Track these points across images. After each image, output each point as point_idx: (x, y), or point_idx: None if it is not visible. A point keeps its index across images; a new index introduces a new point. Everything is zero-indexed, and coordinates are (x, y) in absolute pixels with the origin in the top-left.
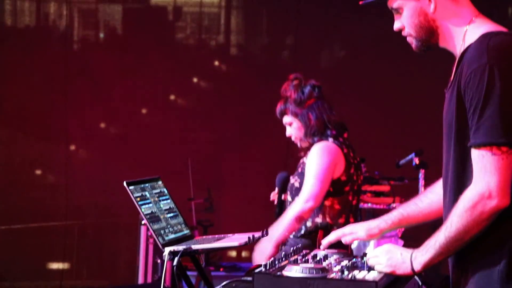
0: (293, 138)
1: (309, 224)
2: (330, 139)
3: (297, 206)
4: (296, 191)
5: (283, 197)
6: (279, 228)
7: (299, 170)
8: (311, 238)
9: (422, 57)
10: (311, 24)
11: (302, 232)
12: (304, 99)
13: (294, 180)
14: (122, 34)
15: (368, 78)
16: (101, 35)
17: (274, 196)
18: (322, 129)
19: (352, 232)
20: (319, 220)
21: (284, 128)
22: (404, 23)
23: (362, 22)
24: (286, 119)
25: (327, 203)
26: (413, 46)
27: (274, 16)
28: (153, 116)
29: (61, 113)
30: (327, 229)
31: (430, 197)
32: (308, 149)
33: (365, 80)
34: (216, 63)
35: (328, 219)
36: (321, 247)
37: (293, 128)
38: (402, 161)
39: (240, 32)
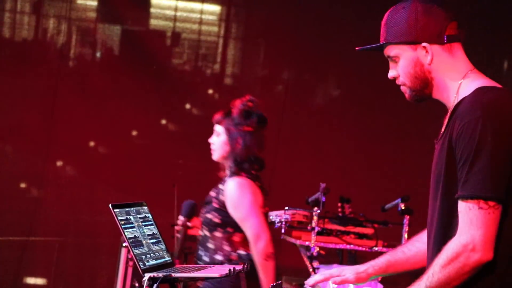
0: (212, 147)
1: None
2: (243, 174)
3: (257, 249)
4: (215, 226)
5: (190, 224)
6: (266, 278)
7: (214, 205)
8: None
9: (416, 104)
10: (308, 60)
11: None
12: (242, 123)
13: (211, 216)
14: (119, 55)
15: (361, 119)
16: (98, 54)
17: (180, 223)
18: (244, 159)
19: (340, 274)
20: (241, 252)
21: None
22: (400, 72)
23: (359, 64)
24: (218, 128)
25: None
26: (407, 95)
27: (272, 50)
28: (143, 139)
29: (51, 128)
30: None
31: (417, 246)
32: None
33: (358, 121)
34: (210, 91)
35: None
36: (308, 285)
37: (219, 139)
38: (388, 206)
39: (236, 63)
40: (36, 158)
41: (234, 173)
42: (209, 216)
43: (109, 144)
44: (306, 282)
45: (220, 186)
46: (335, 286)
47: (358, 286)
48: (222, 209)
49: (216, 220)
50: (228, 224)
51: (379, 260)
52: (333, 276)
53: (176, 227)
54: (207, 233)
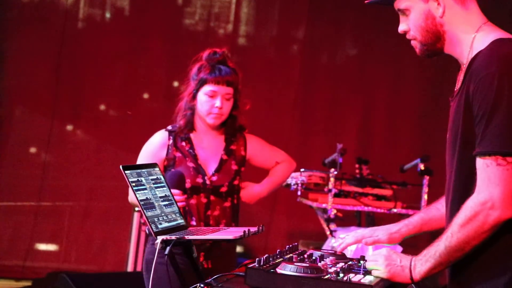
0: (220, 111)
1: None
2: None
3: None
4: (238, 192)
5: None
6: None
7: (234, 167)
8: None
9: (434, 62)
10: (323, 18)
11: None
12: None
13: (238, 181)
14: (129, 16)
15: (378, 79)
16: (107, 15)
17: (182, 198)
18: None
19: (372, 235)
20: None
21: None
22: (410, 25)
23: (376, 21)
24: (229, 91)
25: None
26: (417, 50)
27: (287, 8)
28: (154, 102)
29: (60, 91)
30: None
31: None
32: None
33: (374, 82)
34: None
35: None
36: (339, 249)
37: (230, 104)
38: (407, 166)
39: (250, 22)
40: (44, 122)
41: (242, 130)
42: (236, 182)
43: (119, 107)
44: (336, 246)
45: (232, 147)
46: (353, 249)
47: (377, 246)
48: (239, 170)
49: (240, 184)
50: None
51: (412, 218)
52: (365, 237)
53: (183, 203)
54: (234, 202)
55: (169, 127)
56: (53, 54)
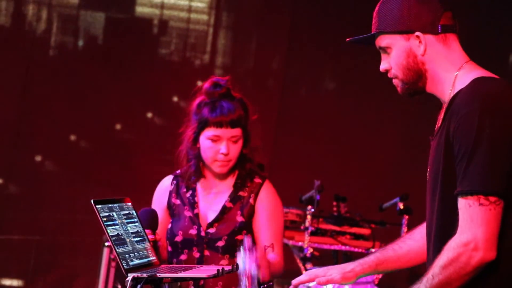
0: (227, 158)
1: None
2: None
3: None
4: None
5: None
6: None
7: (240, 219)
8: None
9: (414, 99)
10: (302, 51)
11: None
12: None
13: (243, 236)
14: (103, 44)
15: (357, 114)
16: (80, 43)
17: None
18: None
19: (325, 274)
20: None
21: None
22: (392, 63)
23: (356, 56)
24: (237, 132)
25: None
26: (399, 89)
27: (264, 40)
28: (128, 133)
29: (31, 120)
30: None
31: (409, 243)
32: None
33: (354, 116)
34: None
35: None
36: (291, 287)
37: (237, 147)
38: (386, 205)
39: (227, 53)
40: (15, 152)
41: (257, 174)
42: (240, 237)
43: (91, 138)
44: (292, 282)
45: (241, 193)
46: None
47: (352, 286)
48: (248, 222)
49: (250, 241)
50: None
51: (368, 258)
52: (318, 276)
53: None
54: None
55: (178, 171)
56: (21, 83)
